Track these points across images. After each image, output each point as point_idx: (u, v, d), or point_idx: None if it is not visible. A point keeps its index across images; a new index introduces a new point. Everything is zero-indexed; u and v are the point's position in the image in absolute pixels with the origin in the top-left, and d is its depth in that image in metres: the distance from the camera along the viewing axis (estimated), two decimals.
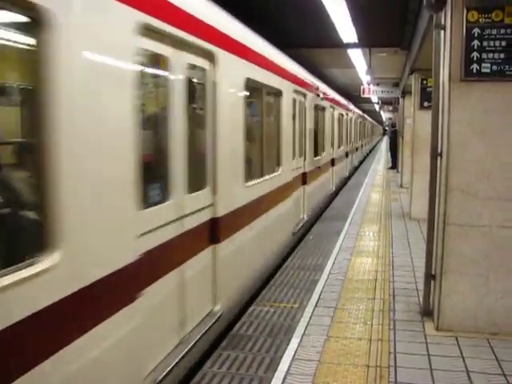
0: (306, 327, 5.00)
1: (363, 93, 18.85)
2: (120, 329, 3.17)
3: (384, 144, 48.11)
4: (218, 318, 4.80)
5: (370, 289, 6.18)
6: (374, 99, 27.23)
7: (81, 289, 2.76)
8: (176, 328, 4.12)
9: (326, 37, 10.55)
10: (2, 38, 2.68)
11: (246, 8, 6.67)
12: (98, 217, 2.93)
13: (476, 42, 4.62)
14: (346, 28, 9.64)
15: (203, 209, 4.61)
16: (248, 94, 5.91)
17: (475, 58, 4.64)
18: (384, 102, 30.18)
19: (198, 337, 4.35)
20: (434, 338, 4.78)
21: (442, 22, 4.95)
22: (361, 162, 28.22)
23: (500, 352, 4.48)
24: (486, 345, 4.63)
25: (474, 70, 4.66)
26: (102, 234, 2.98)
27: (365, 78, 16.27)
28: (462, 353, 4.47)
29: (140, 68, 3.41)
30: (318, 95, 11.17)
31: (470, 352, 4.48)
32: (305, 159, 9.79)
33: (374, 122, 50.88)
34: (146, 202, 3.56)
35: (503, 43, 4.59)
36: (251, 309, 5.54)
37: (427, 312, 5.27)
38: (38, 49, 2.47)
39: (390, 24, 9.65)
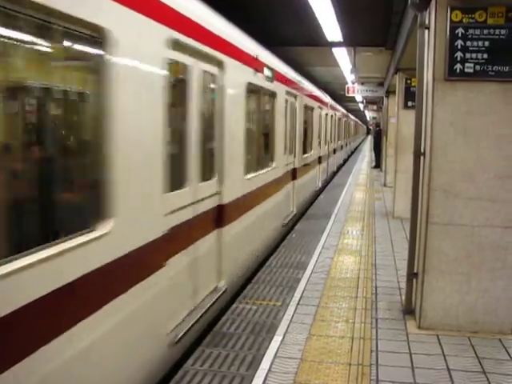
0: (289, 325, 5.00)
1: (348, 92, 18.89)
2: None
3: (368, 144, 48.35)
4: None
5: (352, 287, 6.20)
6: (359, 98, 27.33)
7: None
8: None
9: (311, 35, 10.54)
10: None
11: (232, 5, 6.64)
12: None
13: (460, 42, 4.64)
14: (331, 27, 9.65)
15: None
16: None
17: (459, 58, 4.66)
18: (368, 102, 30.29)
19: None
20: (416, 336, 4.81)
21: (426, 22, 4.97)
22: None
23: (480, 350, 4.52)
24: (466, 343, 4.67)
25: (458, 70, 4.68)
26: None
27: (349, 77, 16.28)
28: (443, 351, 4.51)
29: None
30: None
31: (451, 350, 4.52)
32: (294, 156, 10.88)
33: (358, 120, 51.09)
34: None
35: (486, 43, 4.62)
36: (234, 306, 5.52)
37: (409, 310, 5.30)
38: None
39: (375, 23, 9.66)
